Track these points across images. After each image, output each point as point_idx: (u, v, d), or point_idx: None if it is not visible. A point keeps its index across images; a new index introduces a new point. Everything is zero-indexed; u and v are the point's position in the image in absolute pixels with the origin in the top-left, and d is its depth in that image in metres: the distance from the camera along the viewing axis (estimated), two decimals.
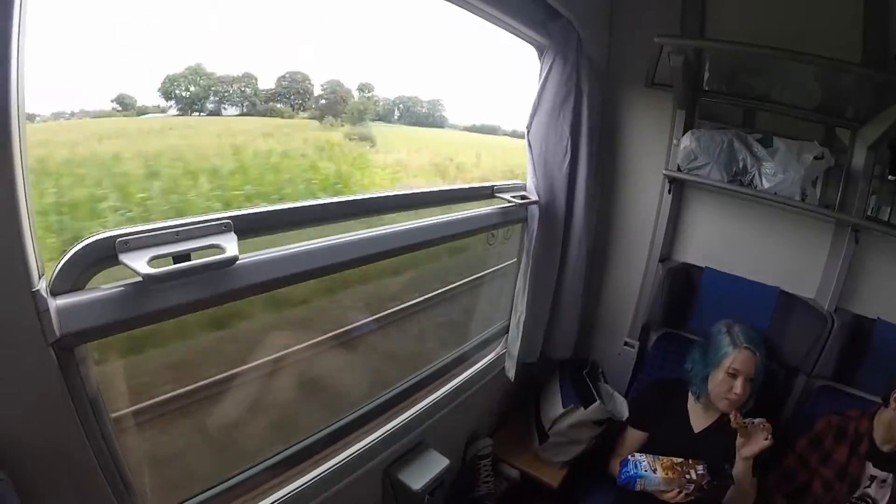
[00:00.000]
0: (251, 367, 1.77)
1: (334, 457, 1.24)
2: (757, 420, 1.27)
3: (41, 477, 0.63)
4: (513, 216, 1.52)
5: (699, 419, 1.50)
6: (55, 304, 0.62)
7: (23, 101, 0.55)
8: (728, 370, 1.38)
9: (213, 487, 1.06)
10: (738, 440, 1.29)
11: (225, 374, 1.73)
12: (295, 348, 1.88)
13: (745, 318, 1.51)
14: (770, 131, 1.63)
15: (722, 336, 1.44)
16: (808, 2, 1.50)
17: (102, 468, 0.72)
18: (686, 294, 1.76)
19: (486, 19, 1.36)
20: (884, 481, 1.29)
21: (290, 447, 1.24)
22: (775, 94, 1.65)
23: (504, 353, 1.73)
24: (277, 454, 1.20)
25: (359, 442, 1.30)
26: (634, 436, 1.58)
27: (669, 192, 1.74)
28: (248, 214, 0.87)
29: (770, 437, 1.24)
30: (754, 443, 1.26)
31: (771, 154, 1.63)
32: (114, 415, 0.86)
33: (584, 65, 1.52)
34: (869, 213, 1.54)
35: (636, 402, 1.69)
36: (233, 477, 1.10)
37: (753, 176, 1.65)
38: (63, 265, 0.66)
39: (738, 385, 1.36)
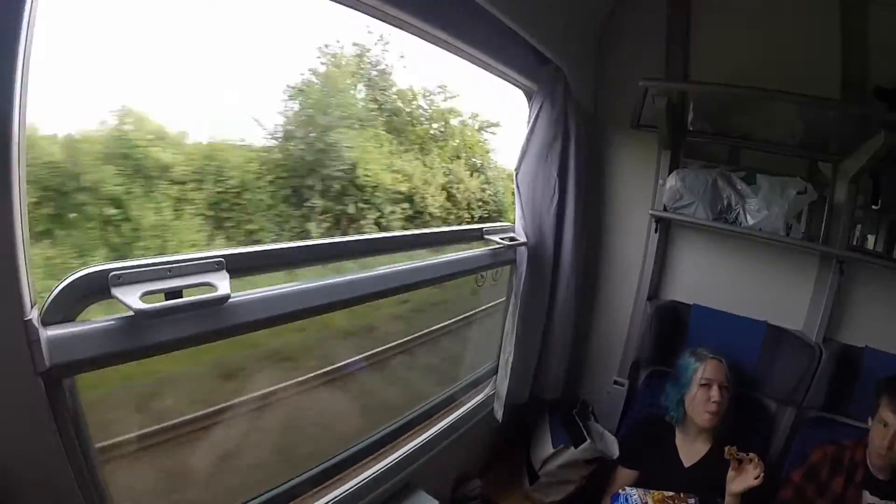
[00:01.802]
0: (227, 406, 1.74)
1: (319, 499, 1.21)
2: (750, 454, 1.28)
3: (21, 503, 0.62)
4: (502, 258, 1.52)
5: (689, 453, 1.51)
6: (46, 334, 0.61)
7: (22, 134, 0.55)
8: (700, 381, 1.43)
9: None
10: (729, 474, 1.30)
11: (200, 413, 1.69)
12: (277, 387, 1.85)
13: (731, 354, 1.54)
14: (754, 168, 1.66)
15: (687, 358, 1.52)
16: (786, 40, 1.55)
17: (85, 497, 0.70)
18: (675, 331, 1.76)
19: (478, 65, 1.39)
20: None
21: (270, 491, 1.21)
22: (759, 132, 1.69)
23: (493, 393, 1.70)
24: (259, 496, 1.16)
25: (344, 484, 1.27)
26: (625, 474, 1.58)
27: (656, 231, 1.76)
28: (241, 254, 0.87)
29: (761, 475, 1.25)
30: (744, 479, 1.27)
31: (755, 191, 1.65)
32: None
33: (571, 108, 1.55)
34: (854, 243, 1.57)
35: (625, 441, 1.68)
36: None
37: (738, 213, 1.67)
38: (56, 296, 0.66)
39: (715, 392, 1.41)
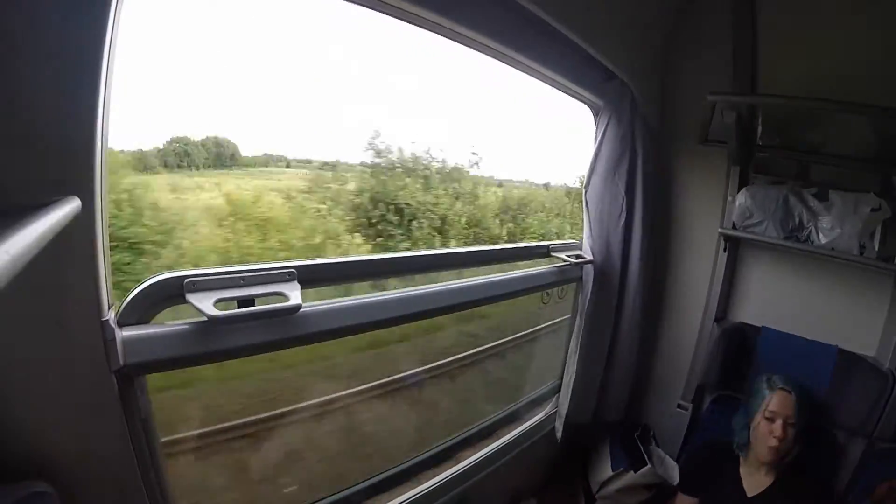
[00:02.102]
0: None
1: None
2: None
3: (86, 495, 0.64)
4: (568, 275, 1.51)
5: (753, 483, 1.43)
6: (121, 334, 0.64)
7: (106, 143, 0.58)
8: (765, 414, 1.36)
9: None
10: None
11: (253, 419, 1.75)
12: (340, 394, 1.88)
13: (801, 380, 1.46)
14: (825, 182, 1.60)
15: (760, 385, 1.44)
16: (856, 50, 1.49)
17: (148, 493, 0.73)
18: (742, 354, 1.69)
19: (544, 81, 1.39)
20: None
21: (329, 497, 1.23)
22: (830, 146, 1.63)
23: (554, 412, 1.68)
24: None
25: (400, 497, 1.27)
26: (685, 502, 1.51)
27: (725, 251, 1.70)
28: (312, 265, 0.89)
29: None
30: None
31: (827, 208, 1.58)
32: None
33: (638, 124, 1.53)
34: None
35: (687, 466, 1.62)
36: None
37: (810, 231, 1.60)
38: (131, 299, 0.69)
39: (778, 427, 1.33)
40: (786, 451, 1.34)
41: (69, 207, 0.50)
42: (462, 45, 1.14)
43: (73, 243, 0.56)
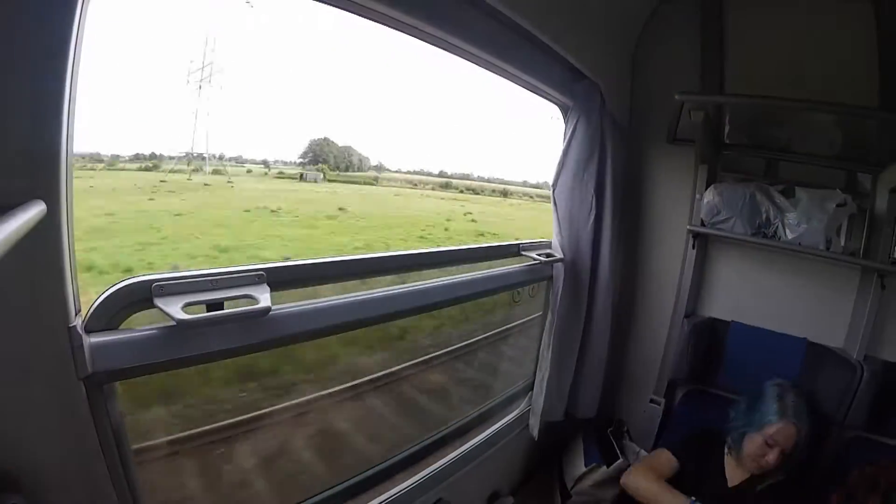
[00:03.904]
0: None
1: None
2: None
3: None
4: (539, 274, 1.52)
5: (733, 473, 1.45)
6: (89, 341, 0.63)
7: (71, 147, 0.57)
8: (767, 439, 1.33)
9: None
10: None
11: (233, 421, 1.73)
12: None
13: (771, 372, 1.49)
14: (792, 180, 1.63)
15: (771, 401, 1.38)
16: (823, 50, 1.52)
17: (119, 498, 0.72)
18: (713, 349, 1.72)
19: (514, 81, 1.40)
20: None
21: (304, 501, 1.22)
22: (796, 144, 1.66)
23: (528, 410, 1.69)
24: None
25: (375, 499, 1.27)
26: (664, 458, 1.48)
27: (694, 247, 1.73)
28: (282, 267, 0.89)
29: None
30: None
31: (793, 204, 1.62)
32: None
33: (607, 123, 1.54)
34: (895, 257, 1.51)
35: (686, 436, 1.57)
36: None
37: (777, 227, 1.64)
38: (99, 304, 0.68)
39: (773, 455, 1.31)
40: (772, 472, 1.35)
41: (34, 212, 0.49)
42: (430, 45, 1.14)
43: (38, 248, 0.55)
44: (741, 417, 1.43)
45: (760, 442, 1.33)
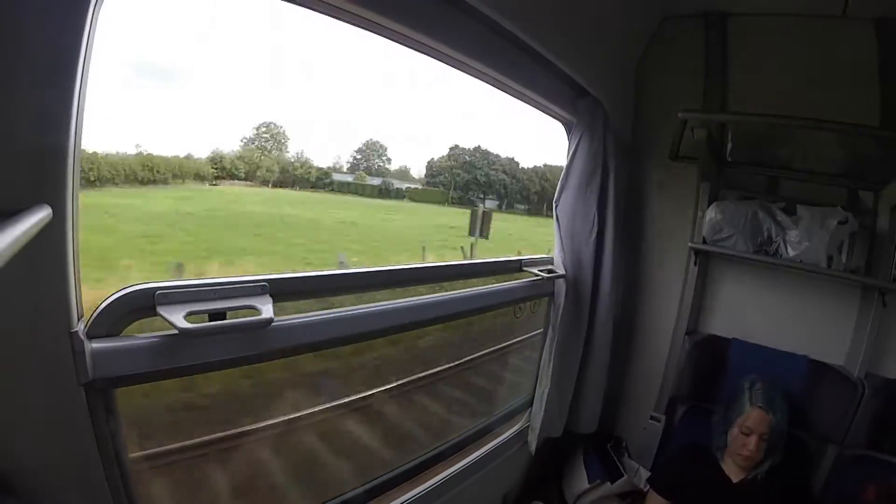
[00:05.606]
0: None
1: None
2: None
3: None
4: (540, 290, 1.52)
5: (732, 473, 1.46)
6: (91, 347, 0.63)
7: (78, 152, 0.57)
8: (741, 428, 1.39)
9: None
10: None
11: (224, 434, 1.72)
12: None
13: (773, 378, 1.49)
14: (794, 198, 1.64)
15: (741, 394, 1.45)
16: (825, 68, 1.53)
17: None
18: (714, 366, 1.71)
19: (518, 98, 1.40)
20: None
21: None
22: (798, 162, 1.67)
23: (527, 426, 1.68)
24: None
25: None
26: (656, 502, 1.50)
27: (696, 264, 1.73)
28: (284, 278, 0.89)
29: None
30: None
31: (795, 222, 1.63)
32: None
33: (610, 140, 1.55)
34: None
35: (664, 467, 1.63)
36: None
37: (779, 245, 1.64)
38: (102, 311, 0.67)
39: (752, 442, 1.37)
40: (759, 460, 1.39)
41: (40, 215, 0.48)
42: (435, 60, 1.15)
43: (43, 252, 0.55)
44: (721, 420, 1.49)
45: (737, 433, 1.40)
